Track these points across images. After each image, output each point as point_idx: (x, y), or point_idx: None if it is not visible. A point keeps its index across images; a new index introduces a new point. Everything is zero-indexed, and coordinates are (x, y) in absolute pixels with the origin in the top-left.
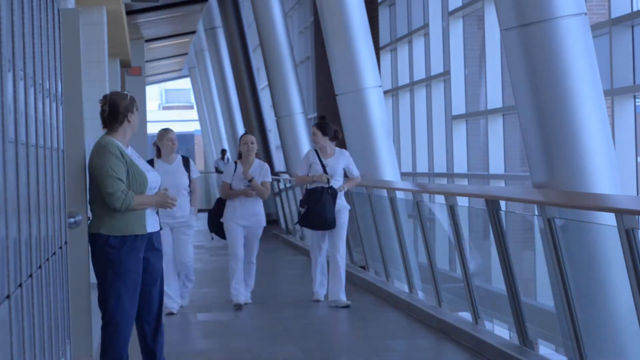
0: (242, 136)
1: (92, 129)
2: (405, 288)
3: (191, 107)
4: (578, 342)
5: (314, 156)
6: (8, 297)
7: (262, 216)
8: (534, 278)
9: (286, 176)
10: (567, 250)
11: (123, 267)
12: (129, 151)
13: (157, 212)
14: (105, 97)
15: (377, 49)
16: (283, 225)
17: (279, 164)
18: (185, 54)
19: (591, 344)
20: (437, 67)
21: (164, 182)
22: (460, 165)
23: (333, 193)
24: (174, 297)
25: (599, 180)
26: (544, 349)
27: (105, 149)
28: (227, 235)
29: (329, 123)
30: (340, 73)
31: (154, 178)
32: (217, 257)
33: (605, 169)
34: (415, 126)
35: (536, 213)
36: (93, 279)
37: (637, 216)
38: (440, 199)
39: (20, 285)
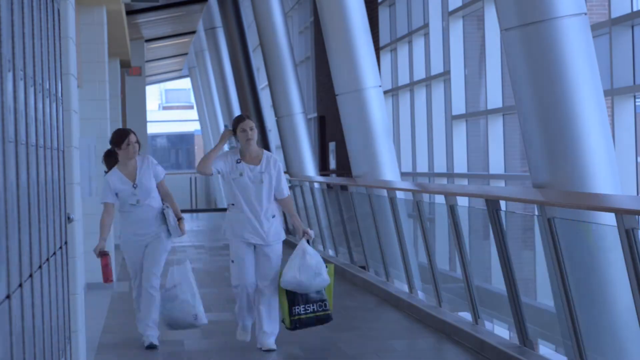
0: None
1: (92, 130)
2: (405, 288)
3: (191, 107)
4: (578, 342)
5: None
6: (8, 297)
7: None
8: (534, 278)
9: (286, 176)
10: (567, 250)
11: None
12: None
13: None
14: None
15: (377, 49)
16: (283, 225)
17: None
18: (185, 54)
19: (591, 344)
20: (437, 67)
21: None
22: (460, 165)
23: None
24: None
25: (599, 180)
26: (544, 348)
27: None
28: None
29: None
30: (340, 73)
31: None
32: (217, 257)
33: (605, 169)
34: (415, 126)
35: (536, 213)
36: (89, 280)
37: (637, 216)
38: (440, 199)
39: (21, 285)
